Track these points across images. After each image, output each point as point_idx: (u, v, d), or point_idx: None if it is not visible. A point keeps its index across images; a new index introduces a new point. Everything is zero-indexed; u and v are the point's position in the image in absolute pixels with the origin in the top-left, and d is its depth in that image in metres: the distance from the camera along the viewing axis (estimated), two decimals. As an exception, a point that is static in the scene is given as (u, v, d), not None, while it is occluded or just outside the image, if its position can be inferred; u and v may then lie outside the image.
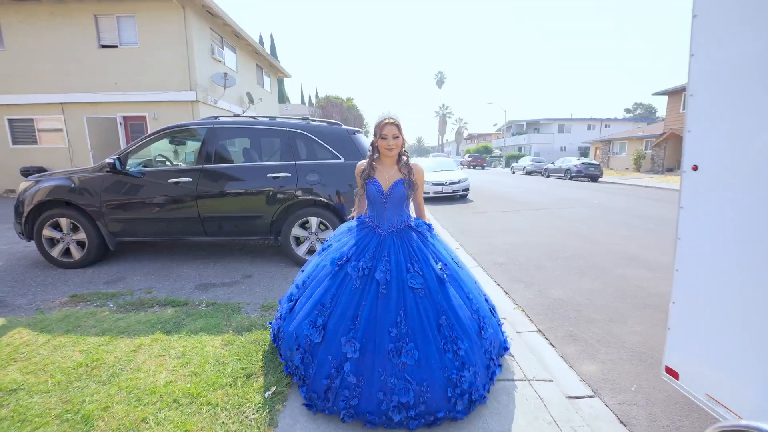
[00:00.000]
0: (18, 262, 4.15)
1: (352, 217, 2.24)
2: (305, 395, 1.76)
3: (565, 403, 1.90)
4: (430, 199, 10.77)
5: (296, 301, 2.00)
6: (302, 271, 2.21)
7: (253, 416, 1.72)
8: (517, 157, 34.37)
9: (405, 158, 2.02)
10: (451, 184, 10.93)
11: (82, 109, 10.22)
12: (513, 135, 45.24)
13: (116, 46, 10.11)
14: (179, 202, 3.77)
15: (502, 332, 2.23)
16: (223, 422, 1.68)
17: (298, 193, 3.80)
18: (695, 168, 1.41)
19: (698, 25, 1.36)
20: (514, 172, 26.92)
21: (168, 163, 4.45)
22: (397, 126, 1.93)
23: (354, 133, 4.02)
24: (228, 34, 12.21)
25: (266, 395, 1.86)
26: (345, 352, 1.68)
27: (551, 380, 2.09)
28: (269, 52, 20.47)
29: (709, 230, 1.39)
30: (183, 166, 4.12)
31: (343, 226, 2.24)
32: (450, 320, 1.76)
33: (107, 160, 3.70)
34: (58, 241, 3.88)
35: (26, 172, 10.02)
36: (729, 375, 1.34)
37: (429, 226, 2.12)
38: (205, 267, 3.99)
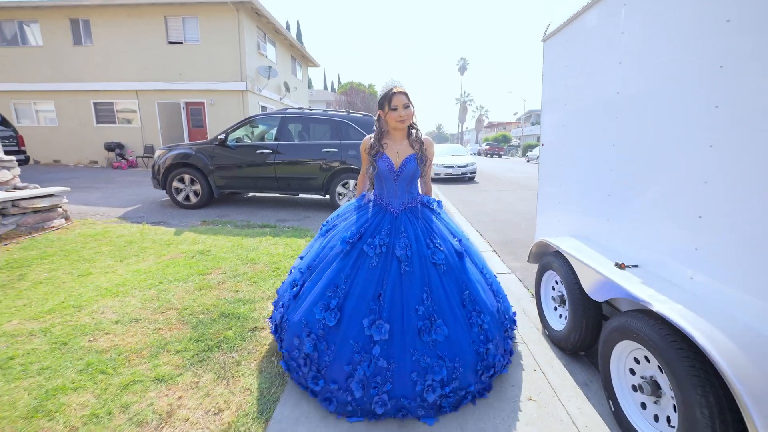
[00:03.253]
0: (151, 205, 6.13)
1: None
2: (320, 389, 1.62)
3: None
4: (441, 180, 12.38)
5: (301, 286, 1.88)
6: (301, 258, 2.12)
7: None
8: (534, 147, 35.11)
9: (415, 131, 1.94)
10: (460, 167, 12.48)
11: (153, 96, 12.28)
12: (532, 124, 45.57)
13: (181, 43, 12.04)
14: (262, 166, 5.60)
15: (509, 305, 2.16)
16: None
17: (341, 163, 5.55)
18: (543, 144, 3.04)
19: (545, 80, 2.96)
20: (528, 161, 27.89)
21: (248, 140, 6.28)
22: (406, 95, 1.82)
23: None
24: (270, 30, 13.94)
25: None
26: (370, 334, 1.59)
27: (488, 263, 3.80)
28: (295, 38, 22.03)
29: (549, 172, 3.02)
30: (265, 142, 5.94)
31: (348, 206, 2.15)
32: (472, 294, 1.77)
33: (219, 136, 5.57)
34: (181, 191, 5.81)
35: (109, 147, 12.26)
36: (565, 237, 2.99)
37: (439, 202, 2.07)
38: (278, 211, 5.88)
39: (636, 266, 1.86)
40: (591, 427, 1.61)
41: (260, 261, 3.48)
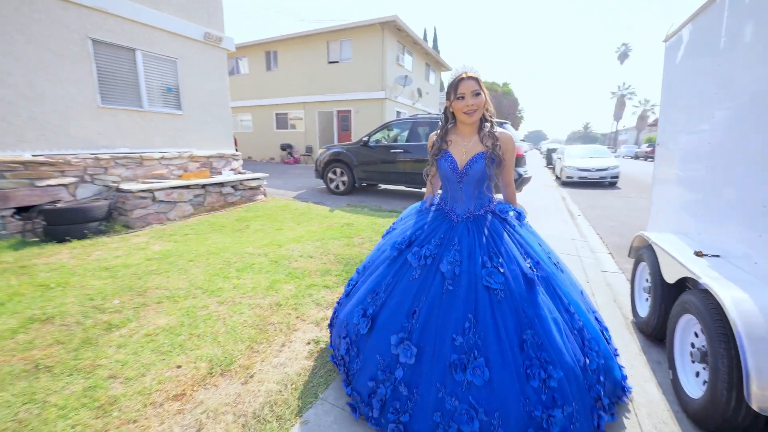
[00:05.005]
0: (312, 190, 8.08)
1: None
2: (348, 393, 1.61)
3: (600, 273, 3.75)
4: (575, 184, 11.55)
5: (354, 285, 1.87)
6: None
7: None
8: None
9: (488, 125, 1.64)
10: (598, 170, 11.36)
11: (314, 106, 15.30)
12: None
13: (338, 62, 14.60)
14: (394, 163, 6.76)
15: (620, 366, 1.74)
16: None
17: (461, 161, 6.22)
18: (658, 144, 3.08)
19: (664, 80, 3.00)
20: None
21: (384, 141, 7.56)
22: (477, 80, 1.58)
23: (500, 125, 6.13)
24: (408, 42, 15.43)
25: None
26: (396, 354, 1.45)
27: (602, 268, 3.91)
28: (431, 45, 23.10)
29: (661, 172, 3.05)
30: (397, 143, 7.13)
31: (412, 208, 2.00)
32: (539, 337, 1.40)
33: (363, 138, 7.00)
34: (333, 180, 7.49)
35: (282, 147, 15.77)
36: (663, 233, 3.02)
37: (519, 213, 1.76)
38: (404, 201, 6.97)
39: (717, 256, 2.02)
40: (641, 384, 1.94)
41: (360, 234, 4.50)
